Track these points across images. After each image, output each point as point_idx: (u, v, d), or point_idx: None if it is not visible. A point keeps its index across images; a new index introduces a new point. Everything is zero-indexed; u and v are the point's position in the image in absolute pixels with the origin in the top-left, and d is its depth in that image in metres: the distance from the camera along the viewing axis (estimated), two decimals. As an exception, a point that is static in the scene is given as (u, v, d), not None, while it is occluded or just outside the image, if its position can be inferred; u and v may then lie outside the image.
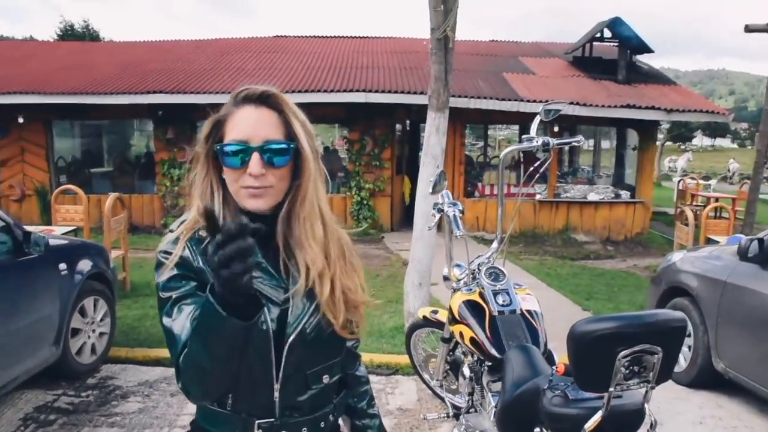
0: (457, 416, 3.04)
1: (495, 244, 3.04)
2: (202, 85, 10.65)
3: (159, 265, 1.24)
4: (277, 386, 1.23)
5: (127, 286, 6.68)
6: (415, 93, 10.14)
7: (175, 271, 1.21)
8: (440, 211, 2.67)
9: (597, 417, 1.72)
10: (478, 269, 2.92)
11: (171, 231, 1.28)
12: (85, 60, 13.12)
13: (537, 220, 11.18)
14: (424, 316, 3.58)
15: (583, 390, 1.78)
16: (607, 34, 12.36)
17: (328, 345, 1.28)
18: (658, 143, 27.47)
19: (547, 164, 2.85)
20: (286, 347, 1.22)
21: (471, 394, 2.98)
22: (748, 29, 11.00)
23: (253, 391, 1.23)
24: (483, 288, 2.81)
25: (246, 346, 1.09)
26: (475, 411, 2.97)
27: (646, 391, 1.75)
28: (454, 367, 3.39)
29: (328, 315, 1.24)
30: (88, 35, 26.43)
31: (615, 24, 11.88)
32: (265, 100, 1.22)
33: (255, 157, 1.17)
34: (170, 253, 1.22)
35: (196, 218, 1.24)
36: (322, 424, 1.32)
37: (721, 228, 9.18)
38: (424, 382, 3.96)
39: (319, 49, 13.93)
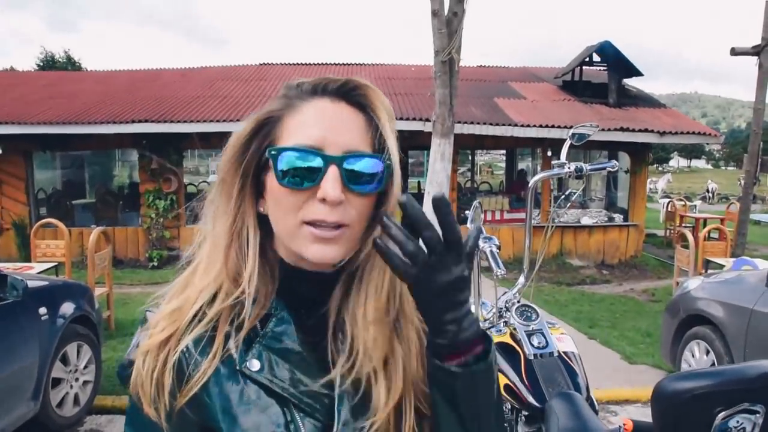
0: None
1: (522, 279, 2.80)
2: (189, 114, 10.39)
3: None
4: None
5: (112, 326, 6.32)
6: (406, 119, 9.97)
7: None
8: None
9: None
10: (506, 307, 2.67)
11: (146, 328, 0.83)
12: (68, 89, 12.81)
13: (531, 246, 10.98)
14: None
15: (671, 457, 1.53)
16: (596, 58, 12.36)
17: None
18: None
19: (579, 191, 2.63)
20: None
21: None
22: (734, 52, 11.08)
23: None
24: (515, 328, 2.56)
25: None
26: (506, 463, 2.70)
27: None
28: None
29: None
30: (70, 65, 26.04)
31: (604, 48, 11.87)
32: (347, 93, 0.84)
33: (332, 172, 0.77)
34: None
35: (226, 291, 0.81)
36: None
37: (719, 249, 9.04)
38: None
39: (305, 76, 13.55)
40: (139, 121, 10.07)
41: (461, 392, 0.78)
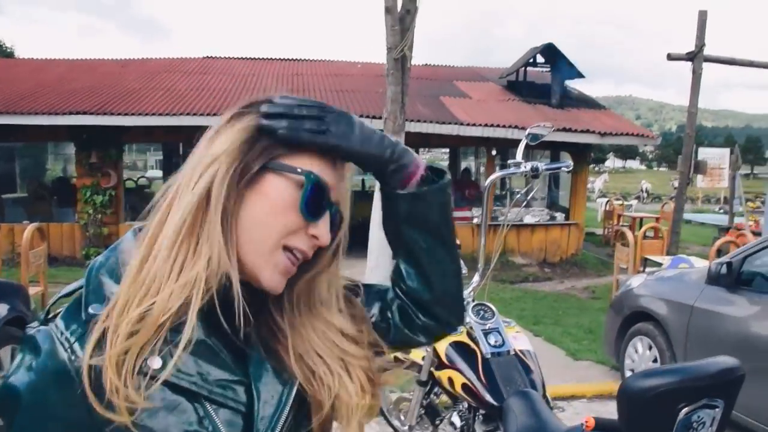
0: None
1: (476, 278, 2.81)
2: (130, 106, 10.01)
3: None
4: None
5: (47, 326, 6.03)
6: (354, 116, 9.92)
7: None
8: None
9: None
10: (462, 306, 2.68)
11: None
12: (1, 77, 12.18)
13: (475, 244, 11.11)
14: (395, 357, 3.29)
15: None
16: (540, 59, 12.60)
17: None
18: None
19: (535, 191, 2.66)
20: None
21: (456, 443, 2.72)
22: (670, 57, 11.47)
23: None
24: (471, 327, 2.57)
25: None
26: (460, 461, 2.70)
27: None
28: (430, 411, 3.12)
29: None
30: (1, 53, 24.70)
31: (548, 50, 12.12)
32: None
33: (327, 218, 0.81)
34: None
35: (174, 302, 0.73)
36: None
37: (655, 248, 9.37)
38: (393, 427, 3.65)
39: (251, 71, 13.53)
40: (76, 113, 9.64)
41: (422, 211, 0.87)
